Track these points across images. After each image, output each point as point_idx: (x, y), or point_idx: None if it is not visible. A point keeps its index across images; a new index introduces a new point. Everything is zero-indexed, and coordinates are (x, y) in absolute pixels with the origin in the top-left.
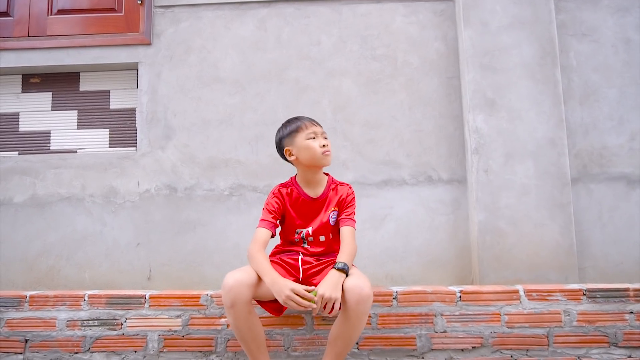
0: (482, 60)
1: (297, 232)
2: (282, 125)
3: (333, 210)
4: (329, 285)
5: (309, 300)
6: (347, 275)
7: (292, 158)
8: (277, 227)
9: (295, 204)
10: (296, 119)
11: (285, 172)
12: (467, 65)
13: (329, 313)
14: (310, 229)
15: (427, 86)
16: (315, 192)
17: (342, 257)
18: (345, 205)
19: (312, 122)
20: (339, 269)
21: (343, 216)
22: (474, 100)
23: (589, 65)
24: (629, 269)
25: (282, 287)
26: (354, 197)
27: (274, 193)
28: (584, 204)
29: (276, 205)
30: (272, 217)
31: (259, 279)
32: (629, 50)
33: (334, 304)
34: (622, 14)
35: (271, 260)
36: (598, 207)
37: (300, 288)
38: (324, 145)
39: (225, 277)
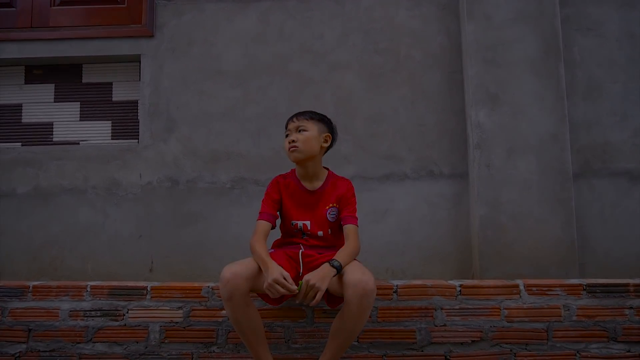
0: (485, 54)
1: (292, 224)
2: None
3: (332, 207)
4: (317, 275)
5: (291, 290)
6: (337, 273)
7: None
8: (277, 218)
9: (292, 195)
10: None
11: (287, 165)
12: (470, 59)
13: (310, 303)
14: (307, 223)
15: (429, 80)
16: (312, 185)
17: (340, 255)
18: (345, 201)
19: (292, 118)
20: (332, 266)
21: (345, 213)
22: (477, 95)
23: (592, 60)
24: (630, 265)
25: (274, 270)
26: (353, 193)
27: (272, 183)
28: (586, 199)
29: (274, 196)
30: (271, 209)
31: (258, 271)
32: (634, 45)
33: (316, 293)
34: (627, 9)
35: (275, 252)
36: (600, 202)
37: (289, 278)
38: (290, 142)
39: (223, 270)
